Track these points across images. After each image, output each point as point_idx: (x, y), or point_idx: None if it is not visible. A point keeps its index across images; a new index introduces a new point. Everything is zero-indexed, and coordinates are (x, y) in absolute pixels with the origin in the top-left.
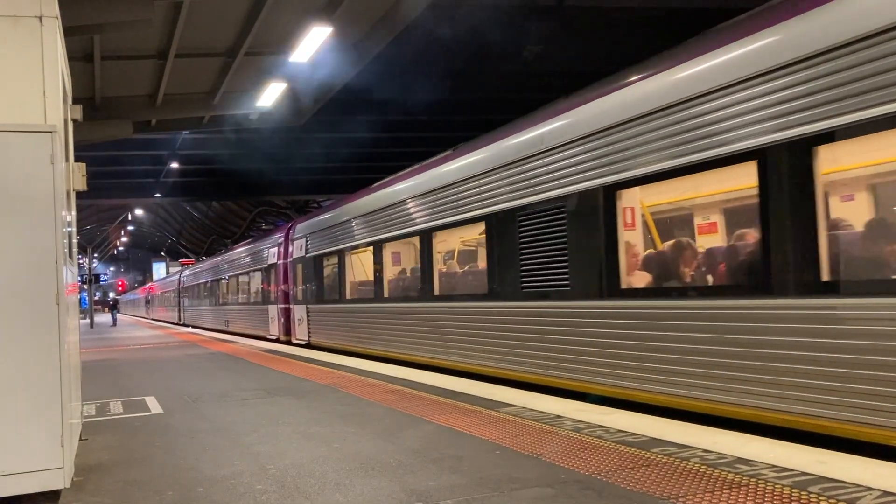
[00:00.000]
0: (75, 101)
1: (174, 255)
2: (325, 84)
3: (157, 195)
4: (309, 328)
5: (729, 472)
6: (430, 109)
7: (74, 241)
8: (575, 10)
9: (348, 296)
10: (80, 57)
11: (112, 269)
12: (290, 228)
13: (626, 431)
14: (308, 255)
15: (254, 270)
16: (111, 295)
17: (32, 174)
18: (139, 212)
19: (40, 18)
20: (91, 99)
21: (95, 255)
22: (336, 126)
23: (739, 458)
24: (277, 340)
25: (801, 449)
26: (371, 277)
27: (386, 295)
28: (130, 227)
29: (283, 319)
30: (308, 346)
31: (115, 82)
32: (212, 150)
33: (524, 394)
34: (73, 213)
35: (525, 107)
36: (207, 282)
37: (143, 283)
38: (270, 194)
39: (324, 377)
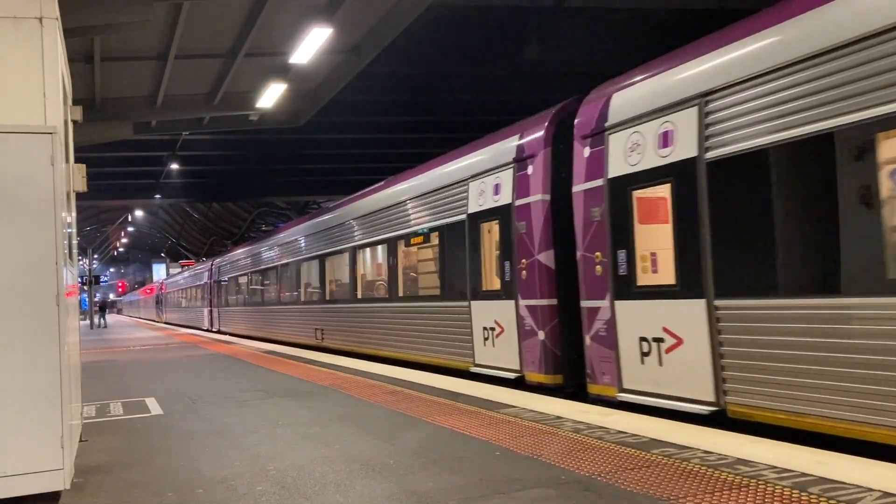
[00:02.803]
0: (75, 102)
1: (174, 257)
2: (324, 84)
3: (157, 196)
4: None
5: (729, 472)
6: (430, 110)
7: (74, 242)
8: (575, 10)
9: None
10: (80, 58)
11: (112, 270)
12: (557, 118)
13: (625, 432)
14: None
15: (411, 235)
16: (97, 295)
17: (32, 175)
18: (139, 213)
19: (40, 20)
20: (91, 100)
21: (95, 256)
22: (336, 126)
23: (739, 459)
24: (519, 382)
25: (801, 450)
26: None
27: None
28: (130, 229)
29: (541, 336)
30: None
31: (116, 83)
32: (212, 151)
33: (524, 395)
34: (73, 214)
35: (525, 108)
36: (273, 268)
37: (143, 283)
38: (270, 195)
39: (324, 378)
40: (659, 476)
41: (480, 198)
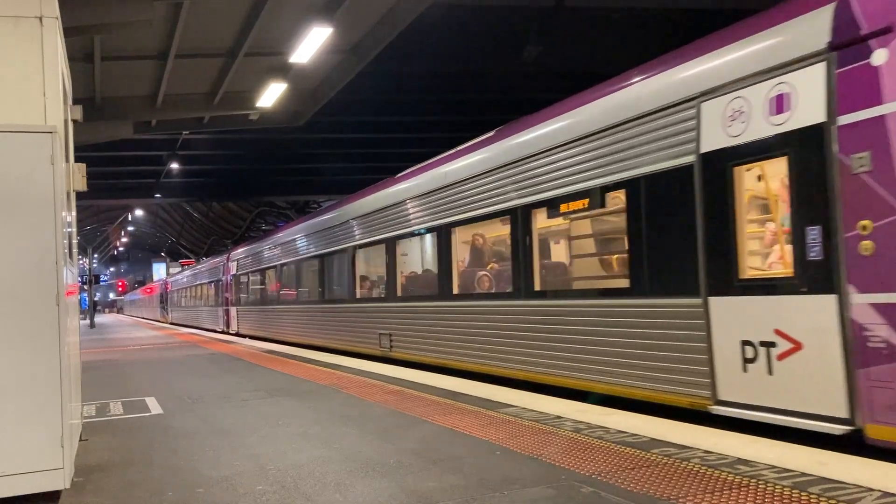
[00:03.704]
0: (75, 101)
1: (174, 256)
2: (324, 84)
3: (158, 196)
4: None
5: (729, 472)
6: (430, 110)
7: (75, 241)
8: (575, 10)
9: None
10: (80, 57)
11: (112, 269)
12: None
13: (626, 432)
14: None
15: (563, 199)
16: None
17: (32, 175)
18: (139, 212)
19: (40, 19)
20: (91, 99)
21: (95, 255)
22: (336, 126)
23: (739, 459)
24: (848, 438)
25: (802, 449)
26: None
27: None
28: (130, 228)
29: None
30: None
31: (116, 83)
32: (212, 150)
33: (524, 394)
34: (74, 213)
35: (525, 107)
36: (311, 258)
37: (142, 283)
38: (271, 195)
39: (324, 378)
40: (659, 476)
41: (733, 124)
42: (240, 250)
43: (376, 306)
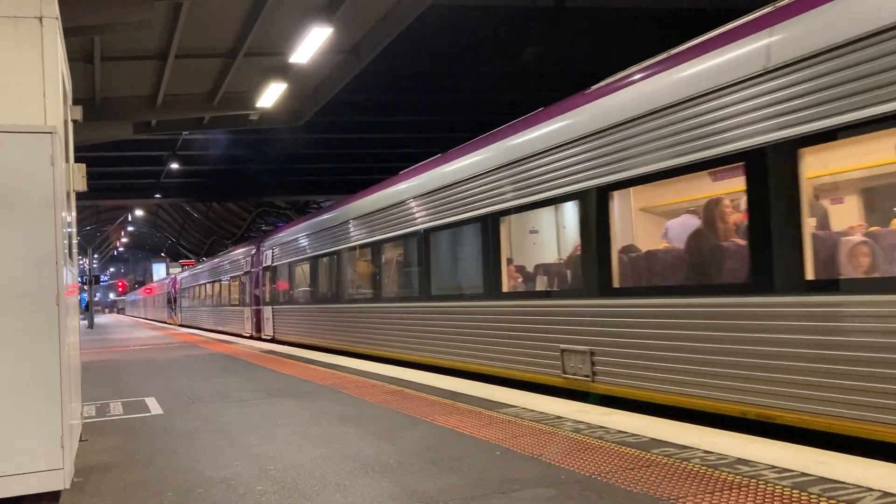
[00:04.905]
0: (75, 101)
1: (174, 257)
2: (324, 84)
3: (157, 196)
4: None
5: (729, 472)
6: (430, 110)
7: (74, 241)
8: (575, 10)
9: None
10: (80, 58)
11: (112, 269)
12: None
13: (626, 432)
14: None
15: None
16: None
17: (32, 175)
18: (139, 213)
19: (40, 19)
20: (91, 100)
21: (95, 256)
22: (336, 126)
23: (740, 459)
24: None
25: (802, 449)
26: None
27: None
28: (130, 228)
29: None
30: None
31: (116, 83)
32: (212, 150)
33: (524, 394)
34: (73, 213)
35: (525, 108)
36: (411, 235)
37: (142, 283)
38: (270, 195)
39: (324, 378)
40: (659, 476)
41: None
42: (279, 235)
43: (552, 306)
